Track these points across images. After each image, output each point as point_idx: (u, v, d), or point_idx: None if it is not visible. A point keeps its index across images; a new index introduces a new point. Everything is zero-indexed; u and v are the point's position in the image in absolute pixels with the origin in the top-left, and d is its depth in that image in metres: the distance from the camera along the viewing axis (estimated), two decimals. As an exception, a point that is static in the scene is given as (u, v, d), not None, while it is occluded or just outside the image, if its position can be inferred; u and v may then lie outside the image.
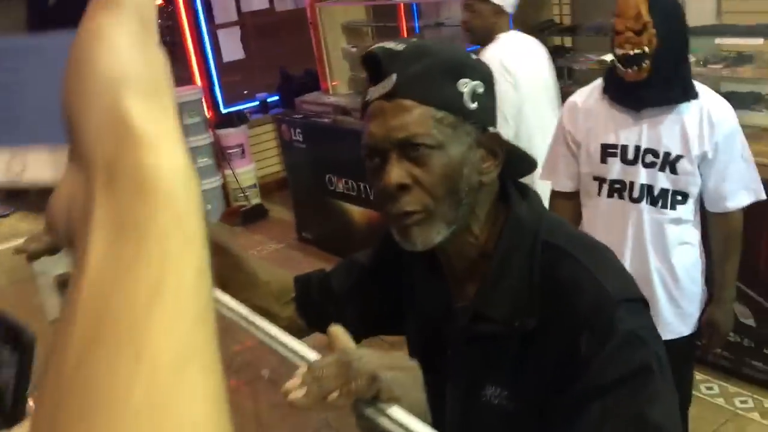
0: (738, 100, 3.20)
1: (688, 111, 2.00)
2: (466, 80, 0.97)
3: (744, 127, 2.13)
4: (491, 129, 1.01)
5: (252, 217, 5.75)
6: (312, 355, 0.79)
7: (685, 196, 2.04)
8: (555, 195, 2.29)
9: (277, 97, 6.31)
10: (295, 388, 0.75)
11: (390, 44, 0.98)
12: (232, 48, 6.15)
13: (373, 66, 0.98)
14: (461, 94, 0.97)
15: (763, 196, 2.09)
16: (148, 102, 0.29)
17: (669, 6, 1.99)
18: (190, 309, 0.26)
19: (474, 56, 1.05)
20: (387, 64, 0.96)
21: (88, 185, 0.28)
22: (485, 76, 1.02)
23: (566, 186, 2.24)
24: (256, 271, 1.22)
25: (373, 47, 0.98)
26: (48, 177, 0.34)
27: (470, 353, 1.04)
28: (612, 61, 2.07)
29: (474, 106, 0.98)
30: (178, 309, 0.26)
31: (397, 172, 0.96)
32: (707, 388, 3.19)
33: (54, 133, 0.32)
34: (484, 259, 1.03)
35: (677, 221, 2.06)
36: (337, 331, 0.85)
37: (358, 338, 1.24)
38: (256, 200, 5.90)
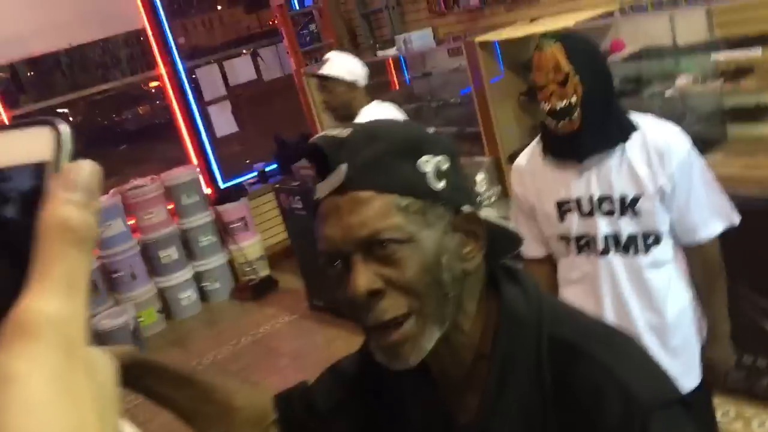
0: (744, 114, 3.16)
1: (632, 148, 1.88)
2: (427, 157, 0.85)
3: (756, 140, 2.00)
4: (465, 208, 0.88)
5: (262, 290, 5.65)
6: None
7: (657, 236, 1.90)
8: (528, 263, 2.17)
9: (275, 165, 6.27)
10: None
11: (334, 131, 0.86)
12: (225, 122, 6.17)
13: (318, 158, 0.85)
14: (424, 174, 0.85)
15: (736, 221, 1.95)
16: None
17: (586, 49, 1.90)
18: None
19: (430, 131, 0.93)
20: (333, 155, 0.84)
21: None
22: (447, 149, 0.88)
23: (537, 251, 2.12)
24: (228, 399, 1.08)
25: (314, 138, 0.87)
26: None
27: None
28: (541, 121, 1.98)
29: (441, 185, 0.85)
30: None
31: (365, 278, 0.82)
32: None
33: None
34: (482, 361, 0.88)
35: (656, 264, 1.92)
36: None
37: None
38: (264, 272, 5.84)
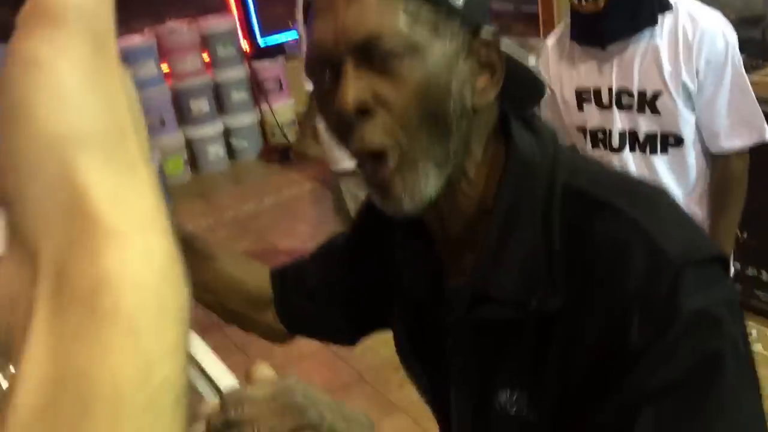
0: None
1: (661, 35, 1.68)
2: None
3: None
4: (486, 30, 0.71)
5: (289, 154, 5.47)
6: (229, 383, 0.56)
7: (678, 139, 1.73)
8: None
9: None
10: None
11: None
12: None
13: None
14: None
15: (766, 136, 1.73)
16: (111, 169, 0.21)
17: None
18: None
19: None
20: None
21: (33, 290, 0.21)
22: None
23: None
24: (229, 271, 0.97)
25: None
26: None
27: (474, 347, 0.76)
28: None
29: (460, 1, 0.69)
30: None
31: (355, 89, 0.66)
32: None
33: None
34: (484, 216, 0.74)
35: (676, 166, 1.75)
36: (265, 370, 0.64)
37: (348, 339, 1.03)
38: (294, 137, 5.65)
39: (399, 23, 0.66)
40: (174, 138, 5.57)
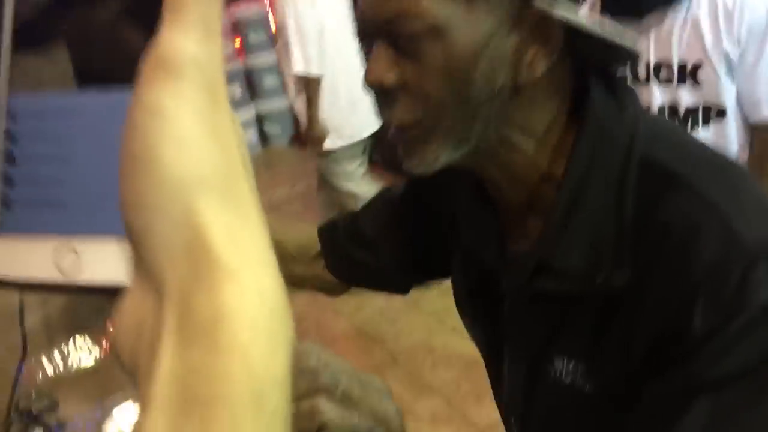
0: None
1: (699, 4, 1.64)
2: None
3: None
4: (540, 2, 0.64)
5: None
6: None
7: (721, 111, 1.68)
8: None
9: None
10: None
11: None
12: None
13: None
14: None
15: None
16: (227, 210, 0.24)
17: None
18: None
19: None
20: None
21: (160, 315, 0.24)
22: None
23: None
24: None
25: None
26: (103, 278, 0.29)
27: (534, 315, 0.75)
28: None
29: None
30: None
31: (378, 68, 0.67)
32: None
33: (108, 222, 0.28)
34: (550, 185, 0.71)
35: (714, 141, 1.67)
36: None
37: (401, 288, 1.02)
38: None
39: (423, 2, 0.63)
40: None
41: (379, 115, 0.71)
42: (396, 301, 3.14)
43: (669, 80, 1.71)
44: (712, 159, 0.70)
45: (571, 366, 0.72)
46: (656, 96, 1.73)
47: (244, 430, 0.22)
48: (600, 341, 0.69)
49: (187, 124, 0.24)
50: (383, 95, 0.68)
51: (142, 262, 0.25)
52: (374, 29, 0.67)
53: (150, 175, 0.24)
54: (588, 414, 0.72)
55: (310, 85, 2.92)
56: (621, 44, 0.68)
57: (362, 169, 3.30)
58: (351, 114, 3.08)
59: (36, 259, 0.30)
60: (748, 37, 1.62)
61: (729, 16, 1.61)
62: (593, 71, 0.71)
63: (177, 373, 0.22)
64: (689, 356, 0.62)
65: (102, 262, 0.29)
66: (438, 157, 0.69)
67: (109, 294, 0.28)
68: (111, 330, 0.26)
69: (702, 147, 0.71)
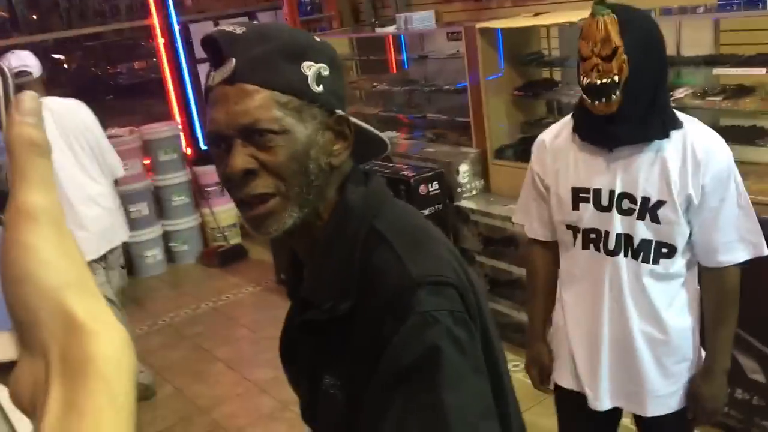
0: (739, 135, 2.97)
1: (669, 148, 1.71)
2: (311, 63, 0.97)
3: (747, 164, 1.92)
4: (339, 112, 1.01)
5: (230, 257, 5.71)
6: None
7: (672, 249, 1.75)
8: (530, 242, 2.06)
9: None
10: None
11: (230, 27, 0.97)
12: None
13: (213, 50, 0.96)
14: (305, 77, 0.96)
15: (765, 252, 1.76)
16: (84, 298, 0.38)
17: (643, 26, 1.70)
18: None
19: (318, 39, 1.04)
20: (227, 48, 0.95)
21: (47, 372, 0.37)
22: (331, 58, 1.01)
23: (541, 234, 1.99)
24: None
25: (212, 31, 0.98)
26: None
27: (307, 342, 1.07)
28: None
29: (320, 89, 0.97)
30: None
31: (242, 159, 0.94)
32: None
33: None
34: (317, 243, 1.03)
35: (662, 277, 1.78)
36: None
37: None
38: (235, 240, 5.85)
39: (273, 112, 0.95)
40: (111, 242, 5.29)
41: (238, 194, 0.98)
42: (299, 430, 3.96)
43: (630, 212, 1.75)
44: (412, 229, 1.05)
45: (333, 380, 1.03)
46: (616, 224, 1.77)
47: (104, 417, 0.35)
48: (343, 359, 1.00)
49: (47, 250, 0.38)
50: (244, 178, 0.96)
51: (28, 341, 0.38)
52: (232, 133, 0.95)
53: (30, 287, 0.37)
54: (344, 418, 1.01)
55: None
56: (382, 138, 1.11)
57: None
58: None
59: None
60: (711, 187, 1.69)
61: (697, 164, 1.68)
62: (356, 165, 1.08)
63: (62, 397, 0.36)
64: (382, 357, 0.91)
65: None
66: (292, 217, 0.99)
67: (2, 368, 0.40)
68: (8, 388, 0.39)
69: (410, 220, 1.09)
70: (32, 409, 0.38)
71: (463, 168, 4.05)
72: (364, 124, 1.06)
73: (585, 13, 1.72)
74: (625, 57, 1.65)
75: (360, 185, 1.05)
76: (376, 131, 1.09)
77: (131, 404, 0.37)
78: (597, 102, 1.70)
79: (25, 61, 3.30)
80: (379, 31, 4.95)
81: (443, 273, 0.97)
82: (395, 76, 5.37)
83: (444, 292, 0.95)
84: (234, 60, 0.94)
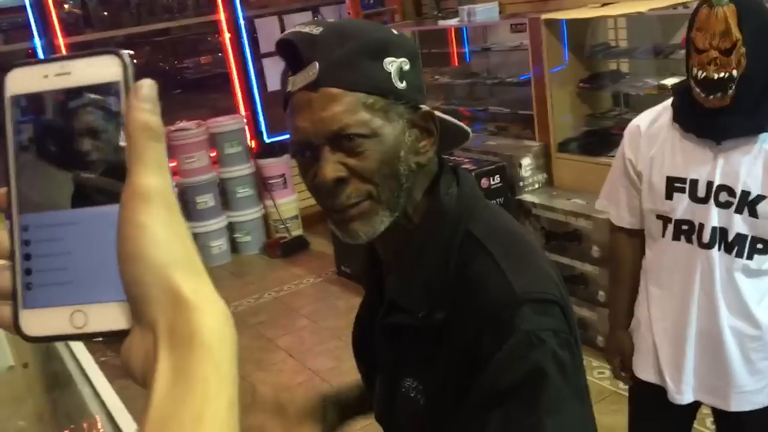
0: None
1: None
2: (392, 59, 0.93)
3: None
4: (423, 107, 0.97)
5: (292, 249, 5.78)
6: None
7: (767, 245, 1.71)
8: (615, 230, 2.01)
9: None
10: None
11: (305, 28, 0.93)
12: (278, 77, 5.95)
13: (291, 54, 0.92)
14: (388, 74, 0.93)
15: None
16: (190, 276, 0.41)
17: (761, 16, 1.63)
18: (224, 430, 0.38)
19: (395, 31, 0.99)
20: (306, 51, 0.91)
21: (156, 344, 0.40)
22: (410, 51, 0.97)
23: (628, 221, 1.94)
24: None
25: (286, 33, 0.93)
26: (110, 326, 0.43)
27: (390, 343, 1.04)
28: (677, 84, 1.81)
29: (403, 85, 0.94)
30: (215, 430, 0.37)
31: (332, 167, 0.91)
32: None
33: (105, 293, 0.42)
34: (407, 245, 1.00)
35: (755, 273, 1.74)
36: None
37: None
38: (297, 232, 5.94)
39: (361, 115, 0.91)
40: (178, 232, 5.49)
41: (330, 204, 0.94)
42: (360, 420, 4.03)
43: (727, 205, 1.70)
44: (511, 237, 1.00)
45: (414, 384, 0.99)
46: (712, 217, 1.72)
47: (211, 385, 0.38)
48: (431, 365, 0.96)
49: (159, 230, 0.40)
50: (335, 186, 0.92)
51: (140, 315, 0.41)
52: (320, 141, 0.92)
53: (142, 264, 0.40)
54: (424, 422, 0.99)
55: None
56: (463, 127, 1.07)
57: None
58: None
59: (54, 321, 0.44)
60: None
61: None
62: (445, 163, 1.04)
63: (170, 366, 0.39)
64: (481, 374, 0.87)
65: (103, 317, 0.43)
66: (383, 222, 0.95)
67: (111, 336, 0.42)
68: (120, 357, 0.42)
69: (507, 228, 1.02)
70: (142, 379, 0.41)
71: (526, 161, 4.04)
72: (445, 116, 1.02)
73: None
74: (743, 50, 1.60)
75: (451, 185, 1.01)
76: (456, 121, 1.05)
77: (234, 373, 0.40)
78: (711, 96, 1.65)
79: None
80: (442, 23, 4.90)
81: (548, 289, 0.93)
82: (457, 69, 5.34)
83: (549, 311, 0.91)
84: (316, 64, 0.90)
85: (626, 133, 1.93)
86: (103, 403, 0.66)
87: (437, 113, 0.99)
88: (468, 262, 0.94)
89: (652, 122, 1.86)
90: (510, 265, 0.92)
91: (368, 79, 0.92)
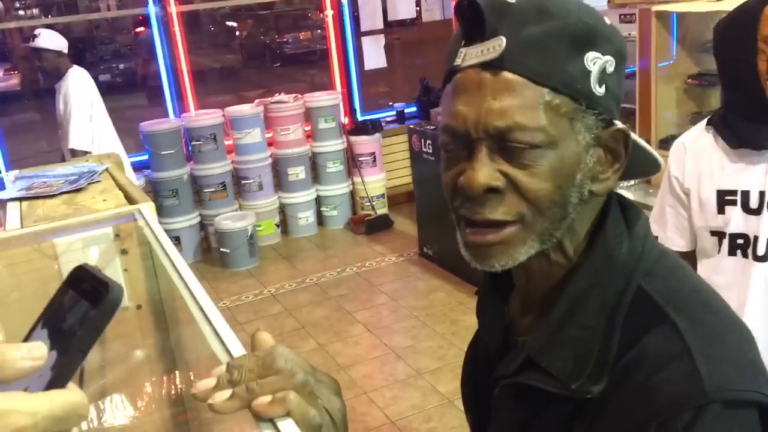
0: None
1: None
2: (596, 55, 0.73)
3: None
4: (618, 123, 0.77)
5: (376, 226, 5.85)
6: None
7: None
8: None
9: (414, 108, 6.31)
10: (212, 389, 0.58)
11: None
12: (375, 56, 6.05)
13: (472, 19, 0.73)
14: (588, 73, 0.73)
15: None
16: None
17: None
18: None
19: (608, 21, 0.77)
20: (493, 20, 0.71)
21: None
22: (618, 49, 0.76)
23: (676, 244, 1.83)
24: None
25: None
26: None
27: (515, 404, 0.82)
28: (724, 101, 1.76)
29: (602, 90, 0.74)
30: None
31: (486, 172, 0.72)
32: None
33: None
34: (559, 290, 0.80)
35: None
36: (263, 335, 0.64)
37: None
38: (382, 210, 6.05)
39: (540, 116, 0.71)
40: (269, 201, 5.75)
41: (469, 212, 0.75)
42: (432, 399, 3.51)
43: None
44: (702, 304, 0.76)
45: None
46: (766, 227, 1.64)
47: None
48: None
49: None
50: (483, 195, 0.72)
51: None
52: (481, 134, 0.72)
53: None
54: None
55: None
56: (656, 158, 0.84)
57: None
58: None
59: None
60: None
61: None
62: (614, 195, 0.81)
63: None
64: None
65: None
66: (528, 252, 0.75)
67: None
68: None
69: (697, 290, 0.78)
70: None
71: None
72: (639, 139, 0.81)
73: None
74: None
75: (620, 223, 0.79)
76: (649, 148, 0.83)
77: None
78: None
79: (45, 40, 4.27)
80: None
81: (749, 386, 0.71)
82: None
83: (740, 418, 0.70)
84: (503, 39, 0.71)
85: (671, 152, 1.88)
86: (222, 342, 0.67)
87: (633, 135, 0.79)
88: (641, 332, 0.73)
89: (697, 138, 1.81)
90: (701, 347, 0.71)
91: (562, 73, 0.72)
